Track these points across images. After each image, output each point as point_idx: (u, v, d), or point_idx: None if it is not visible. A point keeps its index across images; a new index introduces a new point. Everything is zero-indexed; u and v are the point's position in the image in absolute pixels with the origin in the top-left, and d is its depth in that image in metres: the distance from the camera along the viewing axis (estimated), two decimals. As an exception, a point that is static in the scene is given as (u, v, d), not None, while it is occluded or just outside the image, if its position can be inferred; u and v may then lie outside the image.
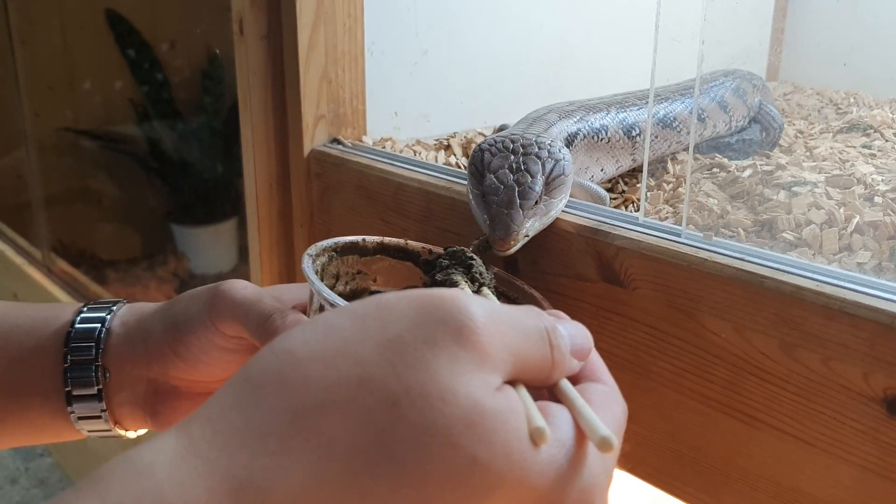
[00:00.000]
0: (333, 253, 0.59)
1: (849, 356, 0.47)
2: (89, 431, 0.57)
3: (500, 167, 0.55)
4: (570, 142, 0.63)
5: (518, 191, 0.54)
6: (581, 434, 0.35)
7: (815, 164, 0.79)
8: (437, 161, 0.85)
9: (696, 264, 0.54)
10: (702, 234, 0.57)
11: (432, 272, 0.53)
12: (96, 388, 0.55)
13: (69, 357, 0.55)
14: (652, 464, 0.59)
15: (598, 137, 0.65)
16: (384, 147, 0.85)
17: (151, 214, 1.98)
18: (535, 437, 0.33)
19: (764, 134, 0.84)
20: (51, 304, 0.59)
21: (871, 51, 1.12)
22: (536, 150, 0.55)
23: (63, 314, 0.57)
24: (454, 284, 0.51)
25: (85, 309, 0.57)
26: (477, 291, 0.52)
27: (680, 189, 0.72)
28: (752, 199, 0.68)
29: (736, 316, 0.52)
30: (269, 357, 0.33)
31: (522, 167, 0.54)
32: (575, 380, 0.40)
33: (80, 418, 0.56)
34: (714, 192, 0.70)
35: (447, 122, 0.93)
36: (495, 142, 0.57)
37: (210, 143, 1.94)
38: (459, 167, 0.85)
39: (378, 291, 0.62)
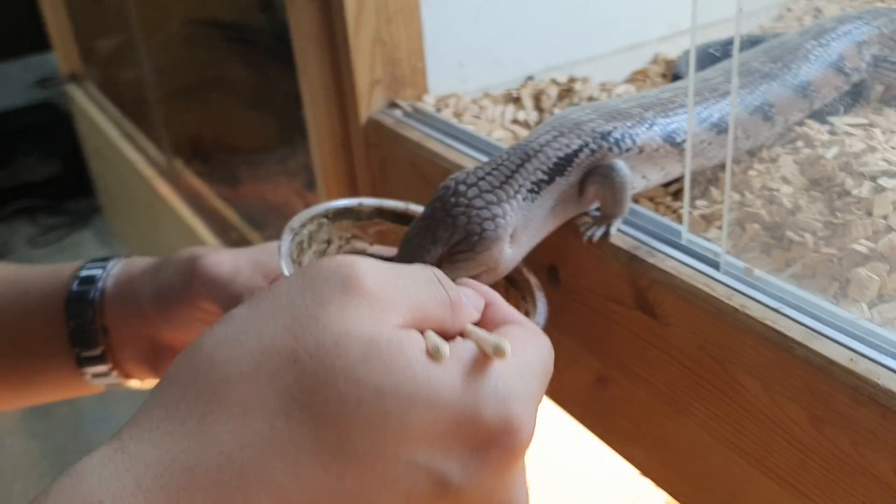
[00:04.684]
0: (324, 219, 0.58)
1: (879, 446, 0.42)
2: (106, 386, 0.61)
3: (423, 218, 0.53)
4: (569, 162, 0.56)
5: (411, 256, 0.52)
6: (485, 353, 0.36)
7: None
8: (503, 117, 0.80)
9: (727, 314, 0.49)
10: (744, 265, 0.52)
11: None
12: (100, 349, 0.59)
13: (70, 321, 0.58)
14: (689, 494, 0.57)
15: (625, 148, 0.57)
16: (447, 105, 0.80)
17: (284, 100, 2.00)
18: (433, 354, 0.34)
19: (883, 90, 0.72)
20: (56, 265, 0.61)
21: None
22: (459, 213, 0.52)
23: (64, 275, 0.60)
24: None
25: (83, 269, 0.60)
26: None
27: (750, 172, 0.64)
28: (831, 189, 0.60)
29: (766, 377, 0.48)
30: (183, 356, 0.35)
31: (431, 230, 0.52)
32: (491, 328, 0.40)
33: (94, 376, 0.60)
34: (793, 176, 0.63)
35: (522, 64, 0.86)
36: (454, 185, 0.54)
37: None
38: (528, 125, 0.80)
39: (375, 255, 0.60)
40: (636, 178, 0.58)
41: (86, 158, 2.64)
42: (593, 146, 0.55)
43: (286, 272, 0.49)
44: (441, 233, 0.52)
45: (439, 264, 0.53)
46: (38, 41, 2.45)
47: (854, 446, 0.44)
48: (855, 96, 0.72)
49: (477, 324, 0.40)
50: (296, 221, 0.54)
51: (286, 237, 0.52)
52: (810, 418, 0.46)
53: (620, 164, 0.55)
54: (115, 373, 0.59)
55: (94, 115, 2.17)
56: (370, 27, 0.75)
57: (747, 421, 0.50)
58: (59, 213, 2.99)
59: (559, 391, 0.66)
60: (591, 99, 0.81)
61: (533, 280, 0.55)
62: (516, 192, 0.53)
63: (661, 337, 0.54)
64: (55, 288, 0.58)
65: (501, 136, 0.77)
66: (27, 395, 0.61)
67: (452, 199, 0.53)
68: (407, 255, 0.53)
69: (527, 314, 0.53)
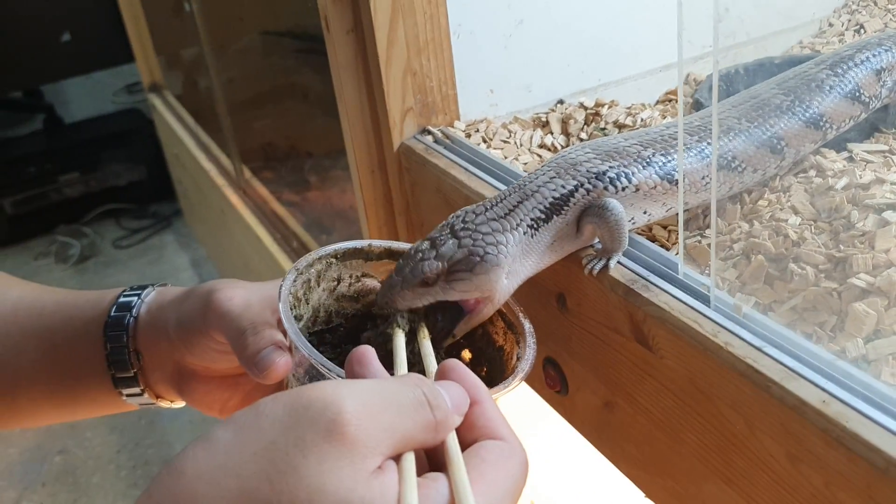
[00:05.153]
0: (333, 259, 0.60)
1: (848, 487, 0.44)
2: (140, 405, 0.66)
3: (430, 238, 0.55)
4: (566, 199, 0.57)
5: (411, 266, 0.54)
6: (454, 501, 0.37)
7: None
8: (531, 141, 0.83)
9: (712, 351, 0.50)
10: (733, 302, 0.53)
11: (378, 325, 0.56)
12: (133, 371, 0.63)
13: (108, 344, 0.63)
14: (689, 520, 0.58)
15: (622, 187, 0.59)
16: (477, 130, 0.83)
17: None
18: None
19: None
20: (101, 291, 0.66)
21: None
22: (466, 235, 0.54)
23: (104, 301, 0.65)
24: (389, 336, 0.53)
25: (121, 296, 0.64)
26: (412, 332, 0.54)
27: (761, 202, 0.65)
28: (837, 221, 0.61)
29: (747, 413, 0.49)
30: (166, 478, 0.36)
31: (436, 246, 0.54)
32: (472, 438, 0.41)
33: (128, 396, 0.65)
34: (802, 207, 0.63)
35: (553, 88, 0.88)
36: (463, 213, 0.56)
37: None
38: (555, 149, 0.82)
39: None
40: (637, 213, 0.60)
41: (167, 164, 2.75)
42: (588, 186, 0.57)
43: (284, 317, 0.52)
44: (445, 249, 0.54)
45: (436, 280, 0.55)
46: (128, 51, 2.56)
47: (827, 486, 0.45)
48: (877, 122, 0.72)
49: (459, 428, 0.41)
50: (302, 262, 0.57)
51: (289, 278, 0.55)
52: (787, 455, 0.47)
53: (613, 203, 0.56)
54: (146, 393, 0.64)
55: (173, 123, 2.27)
56: (401, 59, 0.78)
57: (734, 454, 0.51)
58: (143, 216, 3.12)
59: (573, 412, 0.68)
60: (616, 123, 0.82)
61: (527, 326, 0.57)
62: (517, 226, 0.55)
63: (655, 368, 0.56)
64: (97, 314, 0.63)
65: (528, 161, 0.79)
66: (70, 411, 0.66)
67: (461, 224, 0.56)
68: (408, 265, 0.55)
69: (518, 359, 0.55)
